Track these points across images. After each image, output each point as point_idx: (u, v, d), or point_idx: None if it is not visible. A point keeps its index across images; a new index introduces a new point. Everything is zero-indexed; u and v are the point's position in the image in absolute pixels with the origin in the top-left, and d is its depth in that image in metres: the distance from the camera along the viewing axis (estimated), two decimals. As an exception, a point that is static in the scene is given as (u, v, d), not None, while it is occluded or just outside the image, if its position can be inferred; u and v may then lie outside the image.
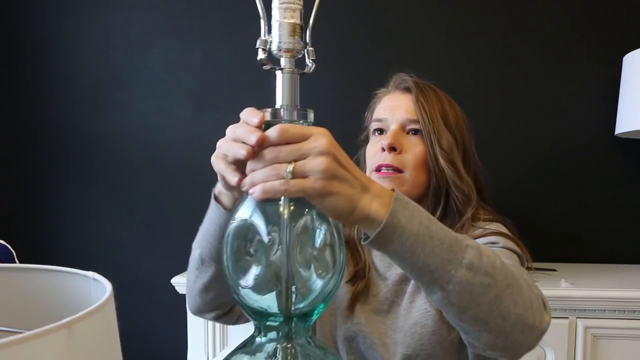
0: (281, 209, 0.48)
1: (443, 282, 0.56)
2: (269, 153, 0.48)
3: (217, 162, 0.56)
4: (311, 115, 0.53)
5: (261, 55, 0.51)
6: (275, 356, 0.47)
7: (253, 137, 0.49)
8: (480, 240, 0.80)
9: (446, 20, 1.85)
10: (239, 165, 0.52)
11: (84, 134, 2.08)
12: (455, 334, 0.83)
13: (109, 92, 2.06)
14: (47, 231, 2.14)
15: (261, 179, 0.48)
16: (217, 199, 0.70)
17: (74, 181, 2.11)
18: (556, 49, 1.80)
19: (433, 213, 0.83)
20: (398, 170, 0.84)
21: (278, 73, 0.52)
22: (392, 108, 0.89)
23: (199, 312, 0.81)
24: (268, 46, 0.51)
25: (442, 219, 0.85)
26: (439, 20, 1.86)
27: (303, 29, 0.51)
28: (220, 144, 0.56)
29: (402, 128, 0.87)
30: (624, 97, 1.63)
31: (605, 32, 1.77)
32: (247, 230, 0.48)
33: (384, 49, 1.88)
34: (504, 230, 0.85)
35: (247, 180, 0.49)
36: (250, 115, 0.51)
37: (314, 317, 0.49)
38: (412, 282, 0.88)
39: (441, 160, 0.84)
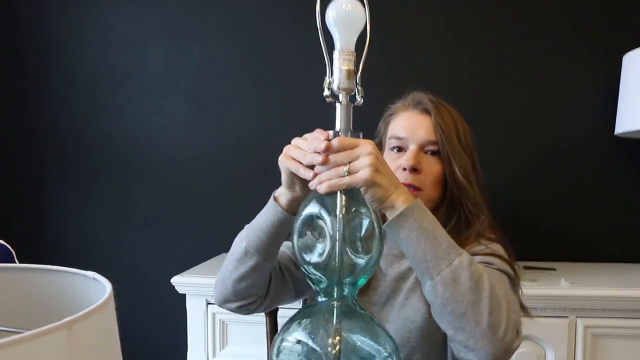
0: (337, 204, 0.65)
1: (433, 273, 0.70)
2: (331, 158, 0.66)
3: (290, 162, 0.71)
4: (360, 136, 0.70)
5: (326, 92, 0.68)
6: (331, 310, 0.64)
7: (323, 145, 0.66)
8: (478, 258, 0.87)
9: (446, 19, 1.85)
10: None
11: (84, 133, 2.09)
12: (441, 334, 0.88)
13: (108, 91, 2.06)
14: (46, 231, 2.14)
15: (326, 178, 0.65)
16: (275, 200, 0.81)
17: (73, 181, 2.11)
18: (556, 49, 1.80)
19: (445, 224, 0.91)
20: (417, 188, 0.91)
21: (337, 105, 0.68)
22: (412, 128, 0.93)
23: (224, 302, 0.90)
24: (331, 85, 0.68)
25: (453, 228, 0.93)
26: (439, 20, 1.86)
27: (356, 73, 0.69)
28: (291, 150, 0.72)
29: (421, 148, 0.93)
30: (623, 97, 1.63)
31: (605, 32, 1.77)
32: (312, 220, 0.66)
33: (384, 49, 1.88)
34: (502, 252, 0.91)
35: (315, 181, 0.66)
36: (319, 133, 0.69)
37: (359, 285, 0.67)
38: (409, 281, 0.95)
39: (460, 179, 0.91)
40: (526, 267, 1.62)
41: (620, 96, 1.65)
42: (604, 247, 1.80)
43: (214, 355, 1.61)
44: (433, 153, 0.92)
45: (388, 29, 1.88)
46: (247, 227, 0.86)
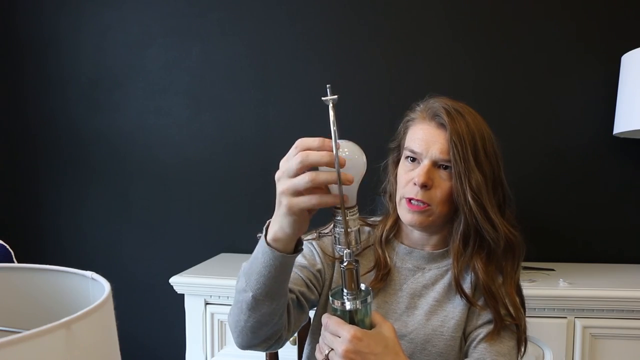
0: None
1: None
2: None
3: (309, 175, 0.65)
4: (369, 298, 0.72)
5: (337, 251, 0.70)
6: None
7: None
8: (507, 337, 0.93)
9: (445, 19, 1.85)
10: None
11: (82, 133, 2.08)
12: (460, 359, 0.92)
13: (106, 91, 2.06)
14: (45, 231, 2.14)
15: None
16: (270, 245, 0.74)
17: (71, 181, 2.11)
18: (555, 49, 1.80)
19: (447, 241, 0.97)
20: (426, 204, 0.90)
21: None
22: (427, 143, 0.91)
23: (250, 348, 0.86)
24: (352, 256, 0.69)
25: (488, 254, 0.94)
26: (439, 20, 1.86)
27: (357, 242, 0.69)
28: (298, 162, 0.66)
29: (434, 164, 0.91)
30: (622, 97, 1.63)
31: (604, 32, 1.77)
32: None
33: (384, 49, 1.88)
34: (522, 294, 0.99)
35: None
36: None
37: None
38: (426, 300, 0.96)
39: (470, 200, 0.88)
40: (525, 268, 1.62)
41: (619, 96, 1.65)
42: (602, 247, 1.81)
43: (212, 355, 1.61)
44: (446, 167, 0.91)
45: (387, 27, 1.88)
46: (245, 272, 0.80)
